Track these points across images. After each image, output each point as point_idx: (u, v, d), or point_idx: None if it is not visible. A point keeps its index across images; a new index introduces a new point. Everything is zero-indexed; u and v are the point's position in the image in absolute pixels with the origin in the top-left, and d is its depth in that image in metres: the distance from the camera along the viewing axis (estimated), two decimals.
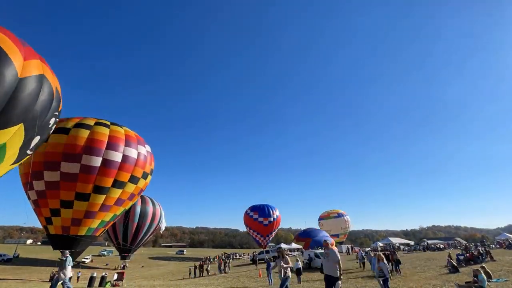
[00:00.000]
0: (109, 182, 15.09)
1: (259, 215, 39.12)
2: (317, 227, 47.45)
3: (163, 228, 37.46)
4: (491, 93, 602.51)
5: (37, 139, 11.46)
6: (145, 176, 17.62)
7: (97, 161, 14.53)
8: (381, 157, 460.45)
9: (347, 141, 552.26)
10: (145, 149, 17.59)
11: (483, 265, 12.65)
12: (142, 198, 34.13)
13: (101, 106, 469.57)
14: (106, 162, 14.81)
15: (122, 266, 29.09)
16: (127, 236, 32.08)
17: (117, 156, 15.26)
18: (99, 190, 14.85)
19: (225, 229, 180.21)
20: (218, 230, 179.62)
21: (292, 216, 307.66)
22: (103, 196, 15.13)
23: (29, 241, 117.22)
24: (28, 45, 10.92)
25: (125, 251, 33.18)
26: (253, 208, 40.86)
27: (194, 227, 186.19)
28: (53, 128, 12.01)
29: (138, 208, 32.55)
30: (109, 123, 16.41)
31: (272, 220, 38.96)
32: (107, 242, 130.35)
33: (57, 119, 12.03)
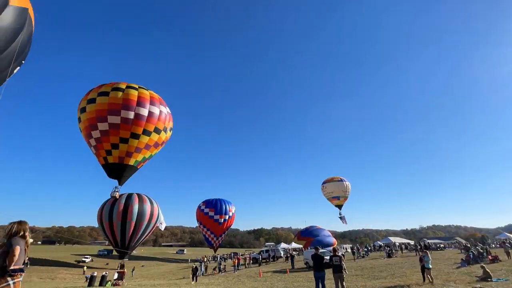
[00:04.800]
0: (140, 130, 20.41)
1: (215, 213, 36.81)
2: (319, 226, 47.38)
3: (164, 227, 37.21)
4: (491, 91, 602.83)
5: None
6: (165, 130, 22.40)
7: (132, 115, 20.01)
8: (381, 156, 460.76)
9: (346, 141, 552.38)
10: (166, 109, 22.53)
11: (483, 264, 12.68)
12: (140, 196, 34.06)
13: None
14: (137, 116, 20.20)
15: (119, 265, 28.61)
16: (125, 234, 31.93)
17: (144, 111, 20.57)
18: (134, 136, 20.24)
19: None
20: None
21: (292, 216, 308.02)
22: (137, 141, 20.46)
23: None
24: None
25: (123, 248, 32.96)
26: (208, 204, 38.30)
27: (195, 227, 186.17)
28: (16, 67, 9.55)
29: (136, 207, 32.47)
30: (137, 87, 21.47)
31: (227, 218, 37.18)
32: (107, 242, 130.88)
33: (26, 51, 9.67)
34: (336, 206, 42.06)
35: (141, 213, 32.83)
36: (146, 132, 20.81)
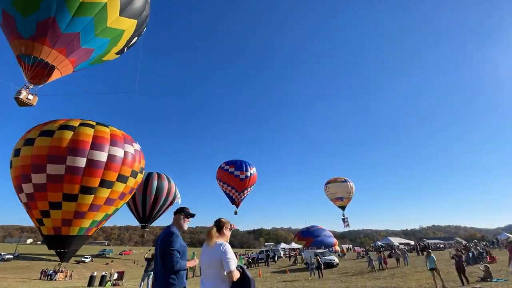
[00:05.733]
0: (95, 182, 15.07)
1: (235, 169, 38.08)
2: (320, 226, 47.31)
3: (180, 201, 40.53)
4: (492, 96, 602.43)
5: (134, 40, 15.25)
6: (134, 174, 17.14)
7: (82, 162, 14.66)
8: (381, 157, 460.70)
9: (347, 141, 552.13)
10: (133, 148, 17.35)
11: (484, 265, 12.66)
12: (159, 174, 37.69)
13: None
14: (91, 163, 14.90)
15: (142, 235, 32.85)
16: (145, 206, 35.42)
17: (102, 156, 15.31)
18: (86, 190, 14.87)
19: None
20: None
21: (292, 216, 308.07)
22: (91, 196, 15.13)
23: (29, 240, 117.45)
24: None
25: (144, 221, 36.34)
26: (229, 163, 39.89)
27: (194, 227, 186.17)
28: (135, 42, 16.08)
29: (155, 183, 36.51)
30: (94, 123, 16.45)
31: (248, 175, 38.15)
32: (107, 242, 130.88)
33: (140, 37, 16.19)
34: (339, 207, 41.69)
35: (159, 188, 35.53)
36: (105, 184, 15.46)
